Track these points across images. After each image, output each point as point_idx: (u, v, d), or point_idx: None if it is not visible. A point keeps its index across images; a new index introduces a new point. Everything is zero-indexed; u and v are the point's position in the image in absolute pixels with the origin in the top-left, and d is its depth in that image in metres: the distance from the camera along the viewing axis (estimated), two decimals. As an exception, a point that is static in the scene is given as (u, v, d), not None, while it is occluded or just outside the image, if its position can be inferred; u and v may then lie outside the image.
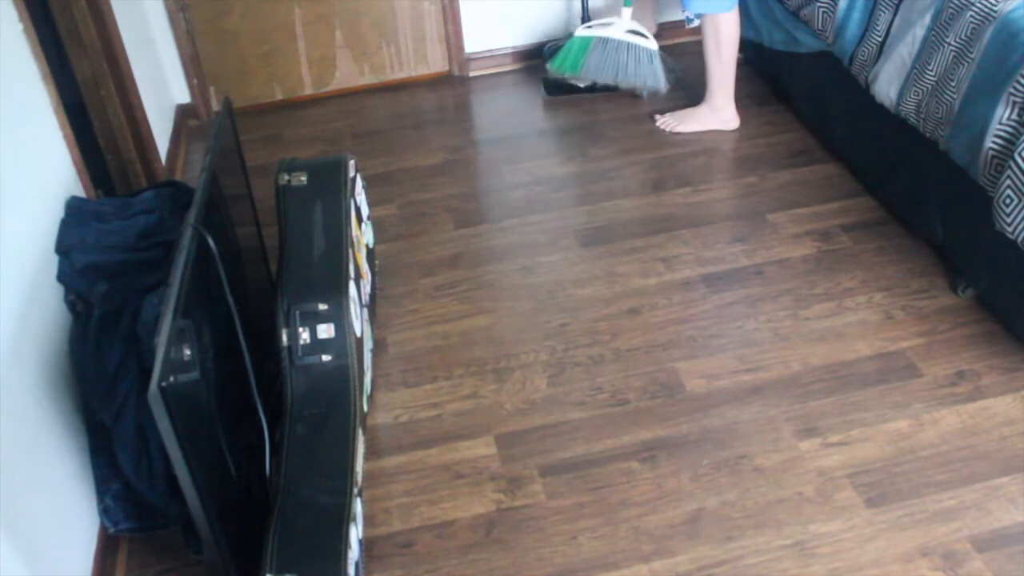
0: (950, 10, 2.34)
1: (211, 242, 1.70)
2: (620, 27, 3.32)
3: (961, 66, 2.28)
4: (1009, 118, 2.11)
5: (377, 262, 2.71)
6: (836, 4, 2.79)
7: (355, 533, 1.72)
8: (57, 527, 1.75)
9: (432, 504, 2.02)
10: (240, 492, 1.80)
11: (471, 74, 3.77)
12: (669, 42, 3.80)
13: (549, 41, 3.67)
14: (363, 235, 2.43)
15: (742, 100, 3.27)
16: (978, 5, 2.25)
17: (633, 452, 2.10)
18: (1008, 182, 2.09)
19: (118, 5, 2.85)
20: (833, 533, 1.89)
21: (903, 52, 2.51)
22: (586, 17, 3.53)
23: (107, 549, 1.91)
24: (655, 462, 2.07)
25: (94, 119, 2.72)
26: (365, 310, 2.23)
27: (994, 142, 2.15)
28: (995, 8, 2.21)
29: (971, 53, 2.25)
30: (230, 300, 1.77)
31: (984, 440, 2.06)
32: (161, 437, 1.42)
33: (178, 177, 3.19)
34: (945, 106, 2.34)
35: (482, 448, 2.14)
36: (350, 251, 2.11)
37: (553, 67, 3.44)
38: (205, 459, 1.55)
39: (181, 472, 1.46)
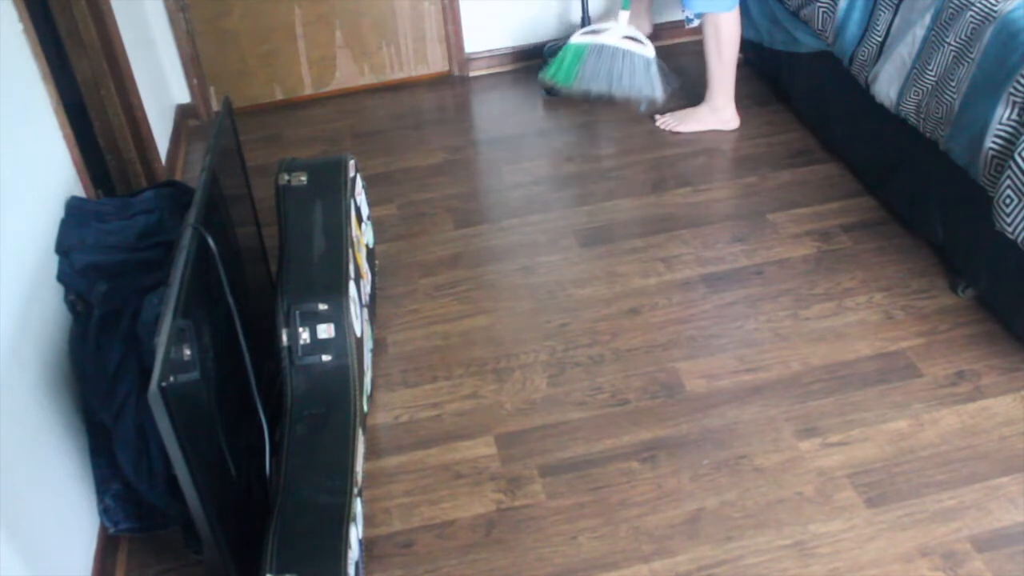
0: (950, 10, 2.34)
1: (211, 242, 1.70)
2: (616, 33, 3.25)
3: (961, 66, 2.28)
4: (1009, 118, 2.11)
5: (377, 262, 2.71)
6: (836, 4, 2.79)
7: (355, 533, 1.72)
8: (57, 527, 1.75)
9: (432, 504, 2.02)
10: (240, 492, 1.80)
11: (471, 74, 3.77)
12: (668, 42, 3.80)
13: (549, 41, 3.66)
14: (363, 235, 2.43)
15: (742, 100, 3.27)
16: (978, 5, 2.25)
17: (633, 452, 2.10)
18: (1008, 182, 2.09)
19: (118, 5, 2.85)
20: (833, 533, 1.89)
21: (903, 52, 2.51)
22: (586, 17, 3.53)
23: (107, 549, 1.91)
24: (655, 462, 2.07)
25: (94, 119, 2.72)
26: (365, 310, 2.23)
27: (994, 142, 2.15)
28: (995, 8, 2.21)
29: (971, 53, 2.25)
30: (230, 300, 1.77)
31: (984, 440, 2.06)
32: (161, 437, 1.42)
33: (178, 177, 3.19)
34: (945, 106, 2.34)
35: (482, 448, 2.14)
36: (350, 251, 2.11)
37: (547, 77, 3.36)
38: (205, 459, 1.55)
39: (181, 472, 1.46)
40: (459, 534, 1.96)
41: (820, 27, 2.89)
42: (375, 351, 2.41)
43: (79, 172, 2.25)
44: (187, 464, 1.45)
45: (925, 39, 2.43)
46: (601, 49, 3.24)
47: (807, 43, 3.02)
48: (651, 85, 3.21)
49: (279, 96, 3.68)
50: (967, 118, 2.25)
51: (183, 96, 3.58)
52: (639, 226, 2.82)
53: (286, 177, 2.25)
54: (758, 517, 1.94)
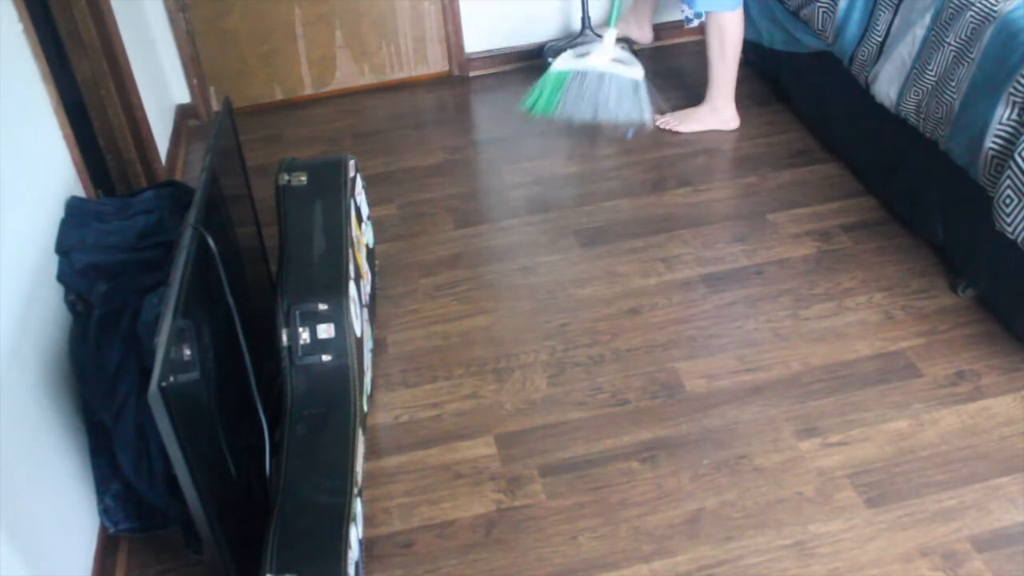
0: (950, 10, 2.34)
1: (211, 242, 1.70)
2: (602, 54, 3.06)
3: (961, 66, 2.28)
4: (1009, 118, 2.11)
5: (377, 262, 2.71)
6: (836, 4, 2.79)
7: (355, 533, 1.72)
8: (57, 527, 1.75)
9: (432, 504, 2.02)
10: (240, 492, 1.80)
11: (471, 74, 3.77)
12: (668, 42, 3.81)
13: (549, 41, 3.67)
14: (363, 235, 2.43)
15: (742, 100, 3.27)
16: (978, 5, 2.25)
17: (633, 452, 2.10)
18: (1008, 182, 2.09)
19: (118, 5, 2.85)
20: (833, 533, 1.89)
21: (903, 52, 2.51)
22: (586, 18, 3.53)
23: (107, 549, 1.91)
24: (655, 462, 2.07)
25: (94, 119, 2.72)
26: (365, 310, 2.23)
27: (994, 142, 2.15)
28: (995, 8, 2.21)
29: (971, 53, 2.25)
30: (230, 300, 1.77)
31: (984, 440, 2.06)
32: (161, 437, 1.42)
33: (178, 177, 3.19)
34: (945, 106, 2.34)
35: (482, 448, 2.14)
36: (350, 251, 2.11)
37: (525, 107, 3.19)
38: (205, 459, 1.54)
39: (181, 472, 1.46)
40: (459, 534, 1.96)
41: (820, 27, 2.89)
42: (375, 351, 2.41)
43: (79, 172, 2.25)
44: (187, 464, 1.44)
45: (925, 39, 2.43)
46: (585, 75, 3.06)
47: (807, 43, 3.02)
48: (640, 109, 3.09)
49: (279, 96, 3.68)
50: (967, 118, 2.25)
51: (183, 96, 3.58)
52: (639, 226, 2.82)
53: (286, 177, 2.25)
54: (758, 517, 1.94)
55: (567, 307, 2.53)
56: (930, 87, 2.41)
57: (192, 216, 1.72)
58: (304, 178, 2.25)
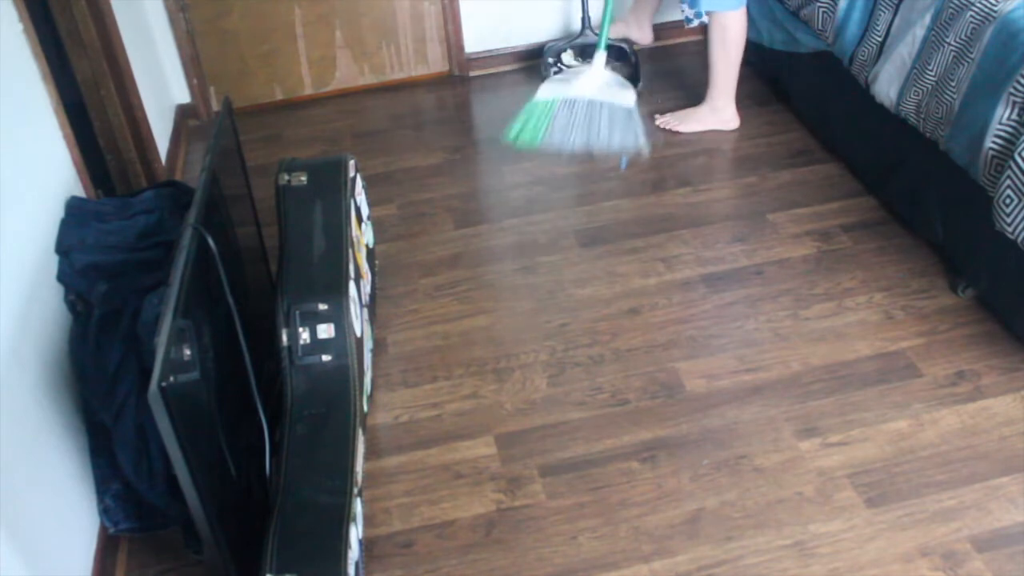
0: (950, 10, 2.34)
1: (211, 242, 1.70)
2: (591, 80, 2.88)
3: (961, 66, 2.28)
4: (1009, 118, 2.11)
5: (377, 262, 2.71)
6: (836, 4, 2.78)
7: (355, 533, 1.72)
8: (57, 527, 1.75)
9: (432, 504, 2.02)
10: (240, 492, 1.80)
11: (471, 74, 3.77)
12: (668, 42, 3.80)
13: (549, 41, 3.67)
14: (363, 235, 2.42)
15: (742, 100, 3.27)
16: (978, 5, 2.25)
17: (633, 452, 2.10)
18: (1008, 182, 2.09)
19: (118, 5, 2.85)
20: (833, 533, 1.89)
21: (903, 52, 2.51)
22: (586, 18, 3.53)
23: (107, 549, 1.91)
24: (655, 462, 2.07)
25: (94, 119, 2.72)
26: (365, 310, 2.23)
27: (994, 142, 2.15)
28: (995, 8, 2.21)
29: (971, 53, 2.25)
30: (230, 300, 1.77)
31: (984, 440, 2.06)
32: (161, 437, 1.42)
33: (178, 177, 3.19)
34: (945, 106, 2.34)
35: (482, 448, 2.14)
36: (350, 251, 2.11)
37: (509, 138, 2.99)
38: (205, 459, 1.55)
39: (181, 472, 1.46)
40: (459, 534, 1.96)
41: (820, 27, 2.89)
42: (375, 351, 2.41)
43: (79, 172, 2.25)
44: (187, 464, 1.45)
45: (925, 39, 2.43)
46: (573, 103, 2.88)
47: (807, 43, 3.02)
48: (634, 137, 2.93)
49: (279, 96, 3.68)
50: (967, 118, 2.25)
51: (183, 96, 3.58)
52: (639, 226, 2.82)
53: (286, 177, 2.25)
54: (758, 517, 1.94)
55: (567, 307, 2.53)
56: (930, 87, 2.41)
57: (192, 216, 1.72)
58: (304, 178, 2.25)
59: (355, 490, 1.77)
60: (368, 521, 1.98)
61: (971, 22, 2.26)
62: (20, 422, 1.67)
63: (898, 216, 2.73)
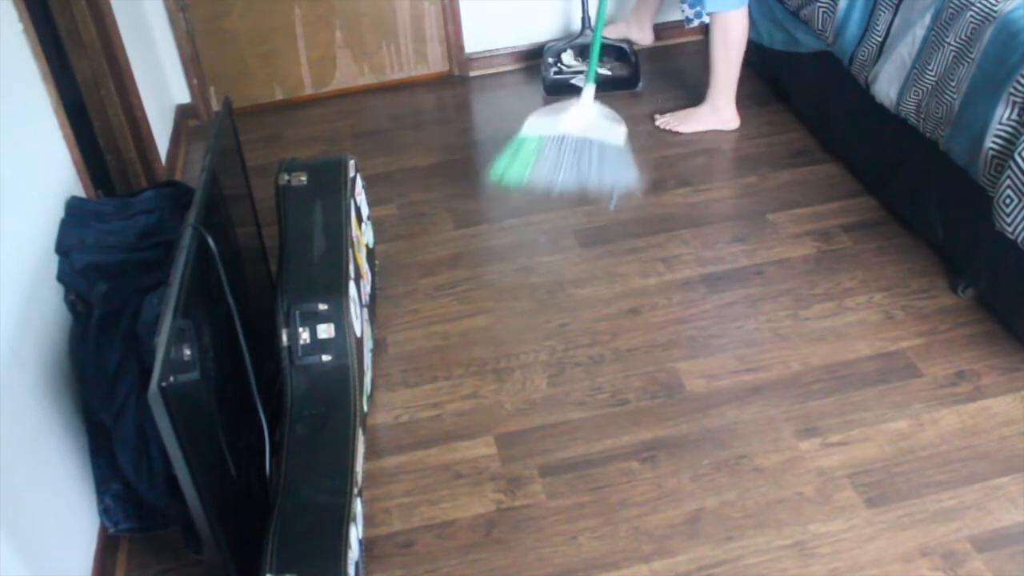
0: (950, 10, 2.34)
1: (211, 242, 1.70)
2: (579, 115, 2.72)
3: (961, 66, 2.28)
4: (1009, 118, 2.11)
5: (377, 262, 2.71)
6: (836, 4, 2.78)
7: (355, 533, 1.72)
8: (57, 527, 1.75)
9: (432, 504, 2.02)
10: (240, 492, 1.80)
11: (471, 74, 3.77)
12: (668, 42, 3.80)
13: (549, 41, 3.67)
14: (363, 235, 2.42)
15: (742, 100, 3.27)
16: (978, 5, 2.25)
17: (633, 452, 2.10)
18: (1008, 182, 2.09)
19: (118, 5, 2.85)
20: (833, 533, 1.89)
21: (903, 52, 2.51)
22: (586, 18, 3.53)
23: (107, 549, 1.91)
24: (655, 462, 2.07)
25: (94, 119, 2.72)
26: (365, 310, 2.23)
27: (994, 142, 2.15)
28: (995, 8, 2.21)
29: (971, 53, 2.25)
30: (230, 300, 1.77)
31: (984, 440, 2.06)
32: (161, 437, 1.42)
33: (178, 177, 3.19)
34: (945, 106, 2.34)
35: (482, 448, 2.14)
36: (350, 251, 2.11)
37: (494, 177, 2.81)
38: (205, 459, 1.55)
39: (181, 472, 1.46)
40: (459, 534, 1.96)
41: (820, 27, 2.89)
42: (375, 351, 2.41)
43: (79, 172, 2.25)
44: (187, 464, 1.45)
45: (925, 39, 2.43)
46: (562, 140, 2.70)
47: (807, 43, 3.02)
48: (626, 174, 2.75)
49: (279, 96, 3.68)
50: (967, 118, 2.25)
51: (183, 96, 3.58)
52: (639, 226, 2.82)
53: (286, 177, 2.25)
54: (758, 517, 1.94)
55: (567, 307, 2.53)
56: (930, 87, 2.41)
57: (192, 216, 1.72)
58: (304, 178, 2.25)
59: (355, 490, 1.77)
60: (368, 521, 1.98)
61: (971, 22, 2.26)
62: (20, 422, 1.67)
63: (898, 216, 2.73)
